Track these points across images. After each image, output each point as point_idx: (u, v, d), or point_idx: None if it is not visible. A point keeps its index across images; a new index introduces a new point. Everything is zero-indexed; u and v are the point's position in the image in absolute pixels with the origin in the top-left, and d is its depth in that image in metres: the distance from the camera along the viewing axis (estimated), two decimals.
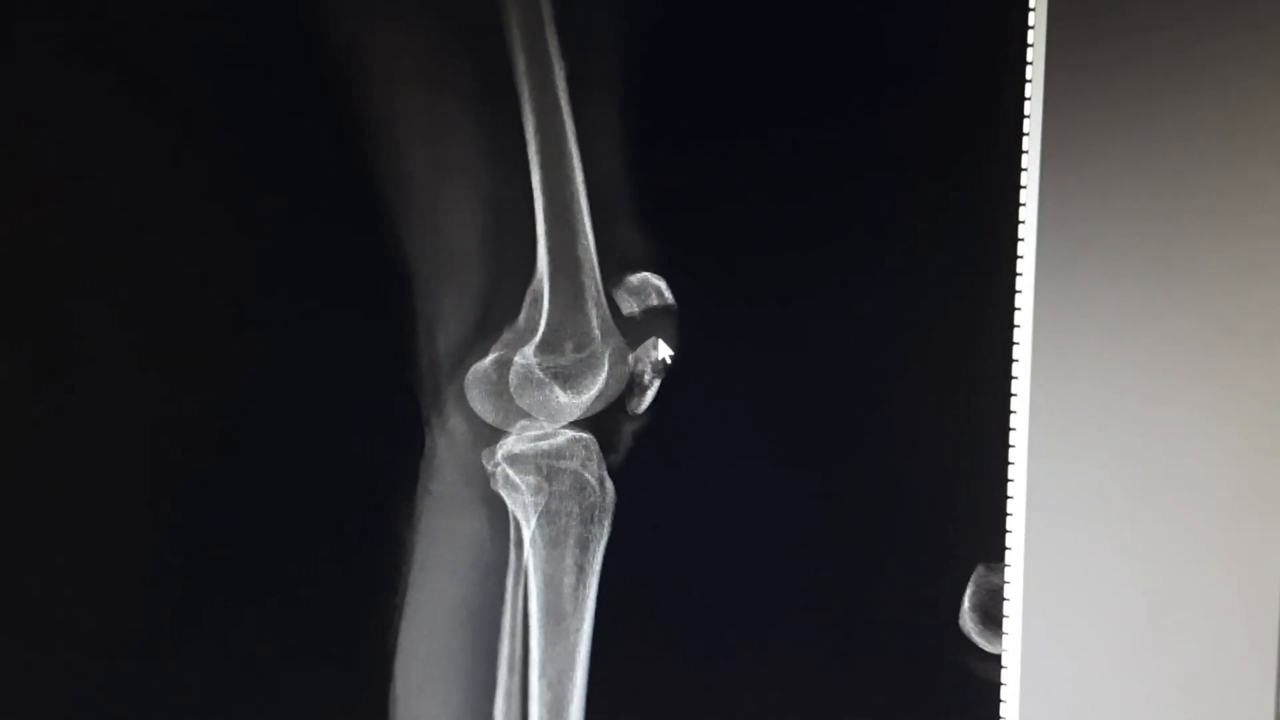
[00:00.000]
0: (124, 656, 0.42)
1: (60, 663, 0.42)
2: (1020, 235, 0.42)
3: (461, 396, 0.42)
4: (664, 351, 0.42)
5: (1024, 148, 0.41)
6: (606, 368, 0.43)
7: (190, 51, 0.41)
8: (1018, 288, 0.42)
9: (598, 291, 0.42)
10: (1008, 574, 0.43)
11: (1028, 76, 0.41)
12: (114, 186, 0.41)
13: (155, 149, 0.41)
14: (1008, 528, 0.42)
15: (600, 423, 0.43)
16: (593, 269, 0.42)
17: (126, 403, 0.42)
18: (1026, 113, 0.41)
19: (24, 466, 0.42)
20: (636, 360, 0.42)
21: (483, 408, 0.42)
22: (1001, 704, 0.43)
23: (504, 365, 0.42)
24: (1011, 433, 0.42)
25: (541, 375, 0.42)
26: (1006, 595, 0.43)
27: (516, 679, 0.43)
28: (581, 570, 0.43)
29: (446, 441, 0.42)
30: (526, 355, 0.42)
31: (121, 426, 0.42)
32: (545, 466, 0.43)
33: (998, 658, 0.43)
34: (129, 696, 0.42)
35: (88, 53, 0.41)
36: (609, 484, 0.43)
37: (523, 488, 0.43)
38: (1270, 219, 0.41)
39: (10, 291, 0.41)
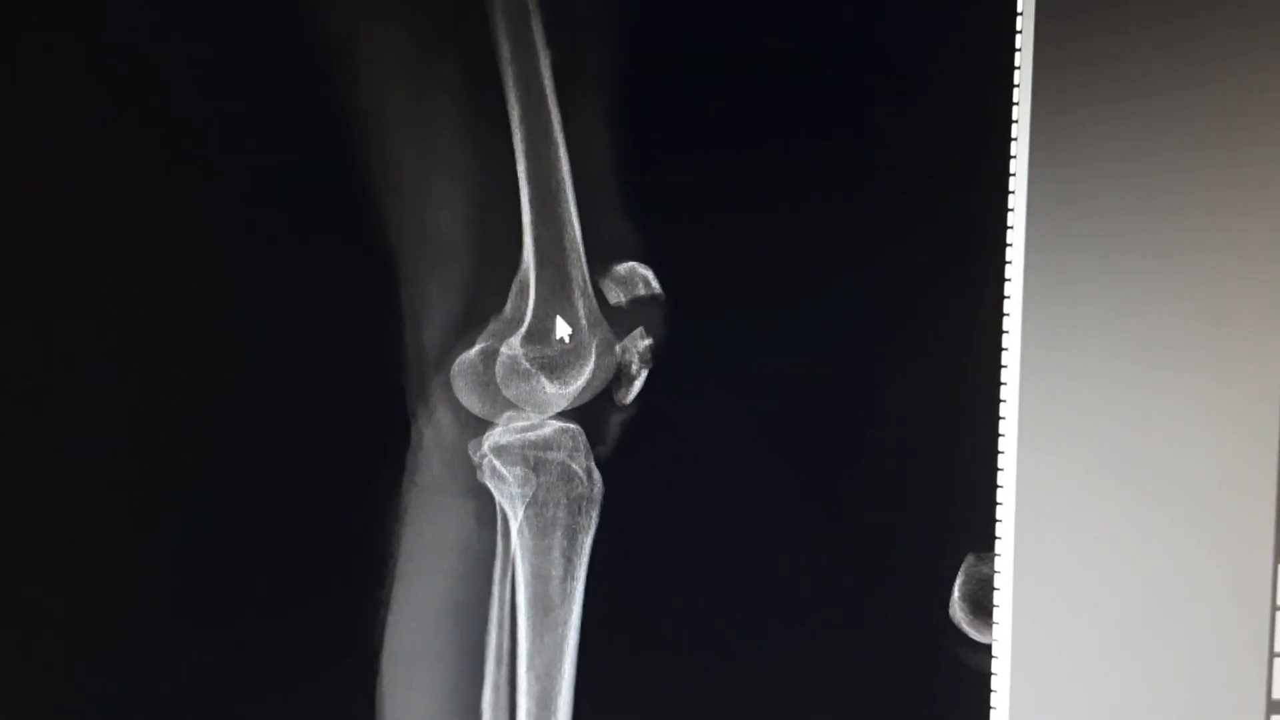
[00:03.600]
0: (108, 649, 0.42)
1: (47, 645, 0.42)
2: (1009, 224, 0.42)
3: (447, 388, 0.42)
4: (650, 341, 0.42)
5: (1013, 136, 0.41)
6: (593, 358, 0.42)
7: (171, 41, 0.41)
8: (1007, 276, 0.42)
9: (584, 281, 0.42)
10: (997, 564, 0.42)
11: (1016, 64, 0.41)
12: (99, 183, 0.41)
13: (138, 143, 0.41)
14: (997, 517, 0.42)
15: (587, 413, 0.43)
16: (579, 259, 0.42)
17: (111, 399, 0.41)
18: (1015, 99, 0.41)
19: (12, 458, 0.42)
20: (623, 351, 0.42)
21: (469, 399, 0.42)
22: (992, 694, 0.43)
23: (490, 356, 0.42)
24: (1001, 421, 0.42)
25: (528, 365, 0.42)
26: (996, 585, 0.43)
27: (504, 671, 0.43)
28: (569, 561, 0.43)
29: (433, 433, 0.42)
30: (513, 345, 0.42)
31: (106, 422, 0.41)
32: (532, 457, 0.43)
33: (988, 647, 0.43)
34: (114, 686, 0.42)
35: (74, 44, 0.40)
36: (596, 475, 0.43)
37: (510, 479, 0.43)
38: (1258, 212, 0.41)
39: None
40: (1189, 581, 0.42)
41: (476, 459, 0.43)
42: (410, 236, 0.41)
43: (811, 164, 0.41)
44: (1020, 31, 0.41)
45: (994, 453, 0.42)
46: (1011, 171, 0.41)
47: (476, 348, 0.42)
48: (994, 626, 0.43)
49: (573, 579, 0.43)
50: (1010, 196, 0.42)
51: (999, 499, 0.42)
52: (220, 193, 0.41)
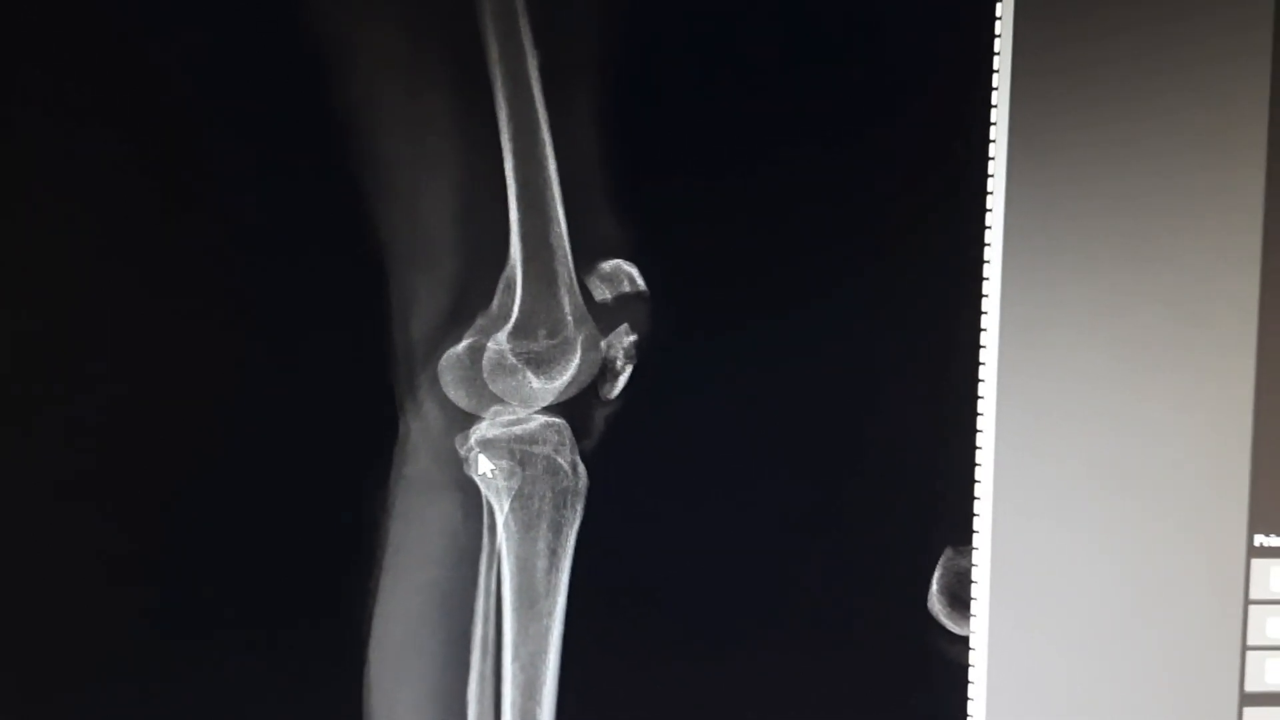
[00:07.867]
0: (96, 642, 0.42)
1: (33, 639, 0.42)
2: (988, 225, 0.42)
3: (435, 382, 0.43)
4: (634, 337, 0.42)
5: (991, 139, 0.42)
6: (579, 353, 0.43)
7: (161, 38, 0.41)
8: (985, 275, 0.42)
9: (570, 278, 0.43)
10: (975, 557, 0.43)
11: (995, 68, 0.42)
12: (95, 179, 0.41)
13: (128, 139, 0.41)
14: (975, 511, 0.43)
15: (573, 408, 0.43)
16: (565, 256, 0.42)
17: (99, 394, 0.42)
18: (994, 102, 0.42)
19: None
20: (608, 346, 0.43)
21: (456, 393, 0.43)
22: (969, 685, 0.44)
23: (477, 351, 0.43)
24: (980, 416, 0.43)
25: (514, 361, 0.43)
26: (974, 578, 0.43)
27: (490, 662, 0.44)
28: (554, 554, 0.43)
29: (420, 427, 0.43)
30: (500, 341, 0.43)
31: (95, 417, 0.42)
32: (518, 451, 0.43)
33: (965, 639, 0.43)
34: (99, 677, 0.42)
35: (67, 40, 0.41)
36: (581, 468, 0.43)
37: (496, 472, 0.43)
38: (1231, 215, 0.42)
39: None
40: (1164, 575, 0.43)
41: (463, 452, 0.43)
42: (399, 233, 0.42)
43: (795, 164, 0.42)
44: (999, 36, 0.42)
45: (972, 447, 0.43)
46: (990, 173, 0.42)
47: (464, 343, 0.43)
48: (971, 619, 0.43)
49: (557, 571, 0.43)
50: (989, 198, 0.42)
51: (977, 493, 0.43)
52: (209, 189, 0.41)
